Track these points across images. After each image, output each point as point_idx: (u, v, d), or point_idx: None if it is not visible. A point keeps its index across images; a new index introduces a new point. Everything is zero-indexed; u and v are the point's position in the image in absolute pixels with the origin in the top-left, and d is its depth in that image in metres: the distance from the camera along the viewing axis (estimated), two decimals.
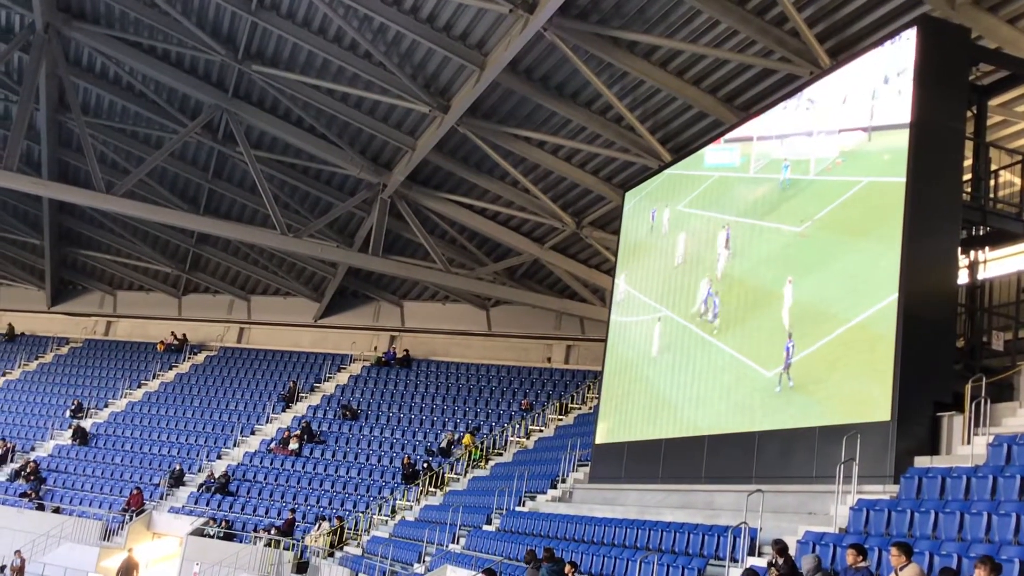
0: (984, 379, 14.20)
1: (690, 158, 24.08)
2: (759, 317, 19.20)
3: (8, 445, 37.58)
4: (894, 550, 10.80)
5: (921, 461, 14.13)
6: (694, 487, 19.17)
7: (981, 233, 16.85)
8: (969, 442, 13.97)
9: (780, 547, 12.85)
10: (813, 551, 12.93)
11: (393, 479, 32.00)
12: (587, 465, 24.76)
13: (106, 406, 40.51)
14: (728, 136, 22.78)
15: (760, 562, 13.95)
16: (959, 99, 15.89)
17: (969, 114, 16.57)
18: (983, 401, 13.94)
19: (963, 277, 16.69)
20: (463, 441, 32.09)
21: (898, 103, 16.24)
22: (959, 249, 15.82)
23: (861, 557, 11.40)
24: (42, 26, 29.55)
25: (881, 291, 15.35)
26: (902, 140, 15.91)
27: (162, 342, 43.66)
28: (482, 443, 32.12)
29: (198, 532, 30.30)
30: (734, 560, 14.62)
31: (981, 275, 17.34)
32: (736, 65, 21.72)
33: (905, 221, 14.83)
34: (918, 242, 14.80)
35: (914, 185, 14.96)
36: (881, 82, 16.97)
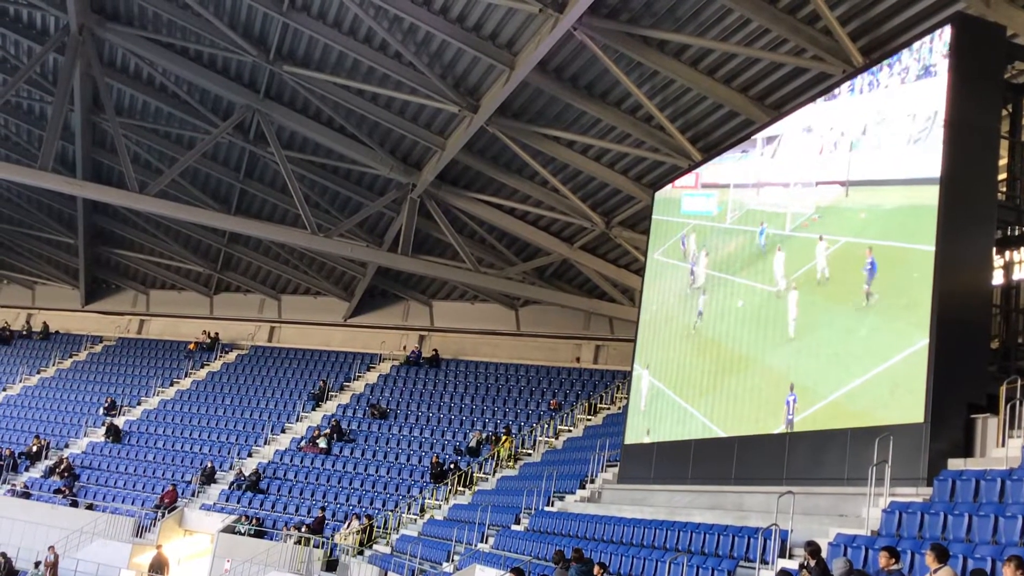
0: (1019, 381, 14.00)
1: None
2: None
3: (43, 442, 38.04)
4: (929, 554, 10.68)
5: (955, 463, 13.97)
6: (724, 488, 19.06)
7: (1016, 233, 16.61)
8: (1003, 444, 13.77)
9: (812, 549, 12.74)
10: (844, 554, 12.82)
11: (422, 478, 32.08)
12: (616, 465, 24.69)
13: (139, 404, 40.91)
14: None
15: (791, 564, 13.85)
16: (994, 97, 15.68)
17: (1004, 112, 16.36)
18: (1018, 403, 13.75)
19: (998, 278, 16.49)
20: (502, 442, 31.97)
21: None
22: (994, 249, 15.62)
23: (894, 560, 11.28)
24: (76, 28, 29.89)
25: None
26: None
27: (195, 342, 44.02)
28: (510, 443, 32.09)
29: (229, 529, 30.50)
30: (764, 562, 14.51)
31: (1016, 276, 17.12)
32: (767, 63, 21.58)
33: (939, 220, 14.65)
34: (952, 242, 14.61)
35: (948, 184, 14.78)
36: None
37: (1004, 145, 16.45)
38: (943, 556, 10.67)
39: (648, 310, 24.98)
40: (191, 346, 43.96)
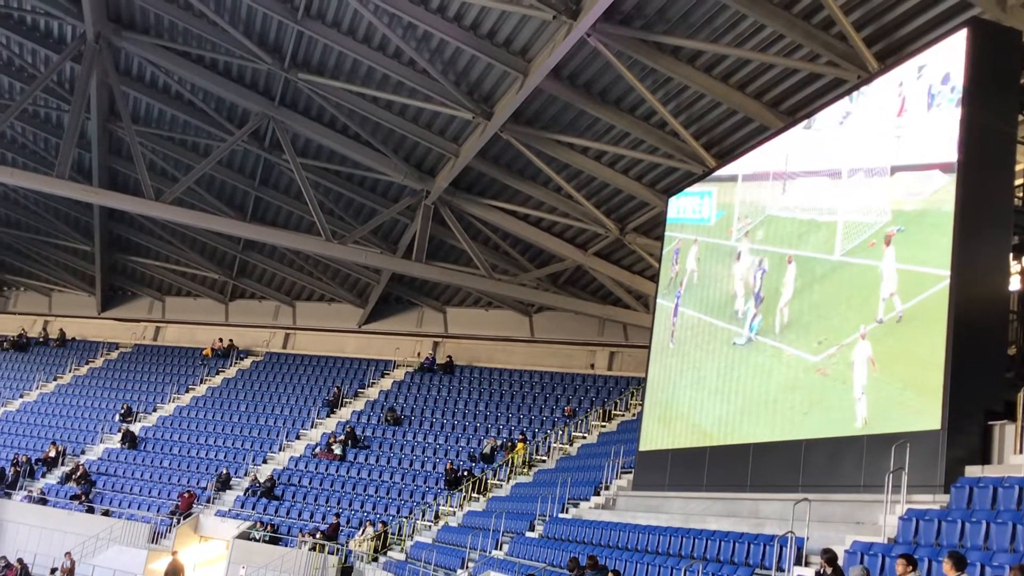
0: None
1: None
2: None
3: (59, 448, 38.23)
4: (947, 562, 10.60)
5: (972, 471, 13.88)
6: (739, 495, 18.98)
7: None
8: (1021, 451, 13.68)
9: (829, 556, 12.68)
10: (861, 561, 12.76)
11: (436, 484, 32.08)
12: (631, 472, 24.64)
13: (155, 410, 41.06)
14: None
15: (807, 572, 13.78)
16: (1010, 102, 15.58)
17: (1021, 118, 16.27)
18: None
19: (1015, 283, 16.40)
20: (517, 448, 31.96)
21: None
22: (1011, 255, 15.52)
23: (911, 567, 11.19)
24: (93, 36, 30.08)
25: None
26: None
27: (209, 348, 44.15)
28: (524, 449, 32.07)
29: (244, 536, 30.60)
30: (780, 569, 14.45)
31: None
32: (782, 69, 21.51)
33: (955, 226, 14.56)
34: (968, 248, 14.52)
35: (964, 190, 14.68)
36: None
37: (1021, 150, 16.36)
38: (961, 564, 10.59)
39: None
40: (205, 352, 44.12)
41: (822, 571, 12.63)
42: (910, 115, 14.45)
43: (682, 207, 21.53)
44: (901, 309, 12.93)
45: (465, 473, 31.62)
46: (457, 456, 33.48)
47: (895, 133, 13.76)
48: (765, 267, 15.85)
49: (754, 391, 18.24)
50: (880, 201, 13.68)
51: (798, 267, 16.44)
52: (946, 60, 14.66)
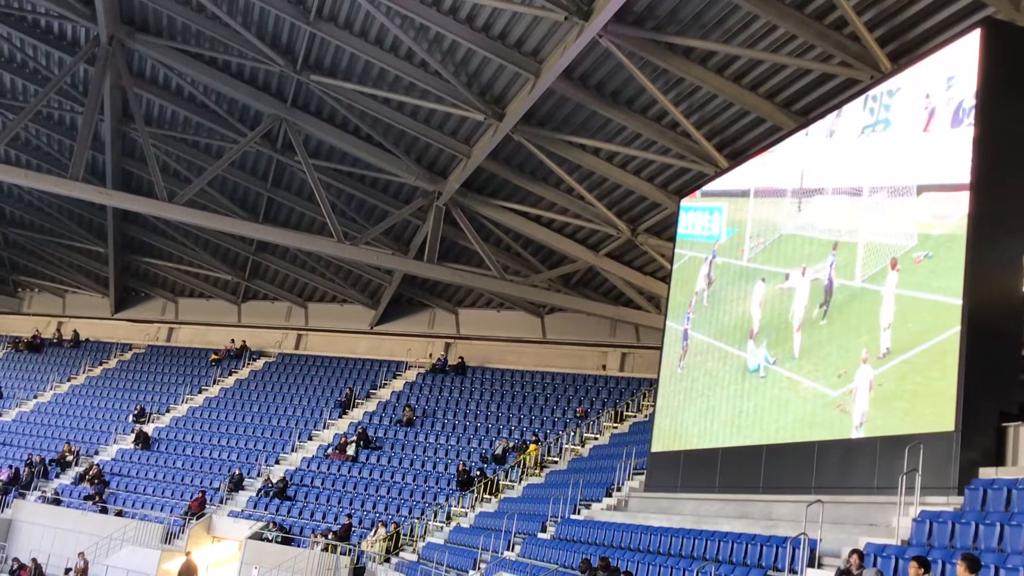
0: None
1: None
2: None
3: (73, 449, 38.41)
4: (960, 564, 10.55)
5: (986, 472, 13.82)
6: (752, 497, 18.94)
7: None
8: None
9: (859, 556, 12.67)
10: (875, 563, 12.72)
11: (448, 485, 32.10)
12: (642, 473, 24.61)
13: (168, 411, 41.21)
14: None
15: (820, 573, 13.76)
16: None
17: None
18: None
19: None
20: (528, 450, 31.95)
21: None
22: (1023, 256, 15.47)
23: (924, 570, 11.15)
24: (107, 39, 30.24)
25: None
26: None
27: (216, 353, 44.21)
28: (536, 450, 32.07)
29: (257, 536, 30.66)
30: (793, 571, 14.42)
31: None
32: (794, 70, 21.46)
33: (970, 227, 14.50)
34: (983, 249, 14.46)
35: (979, 190, 14.62)
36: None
37: None
38: (975, 566, 10.54)
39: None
40: (213, 356, 44.17)
41: (853, 572, 12.54)
42: (937, 130, 13.93)
43: (691, 223, 21.26)
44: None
45: (477, 474, 31.63)
46: (469, 457, 33.50)
47: (921, 149, 12.78)
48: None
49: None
50: (906, 223, 12.75)
51: (815, 292, 16.02)
52: (972, 72, 14.44)
